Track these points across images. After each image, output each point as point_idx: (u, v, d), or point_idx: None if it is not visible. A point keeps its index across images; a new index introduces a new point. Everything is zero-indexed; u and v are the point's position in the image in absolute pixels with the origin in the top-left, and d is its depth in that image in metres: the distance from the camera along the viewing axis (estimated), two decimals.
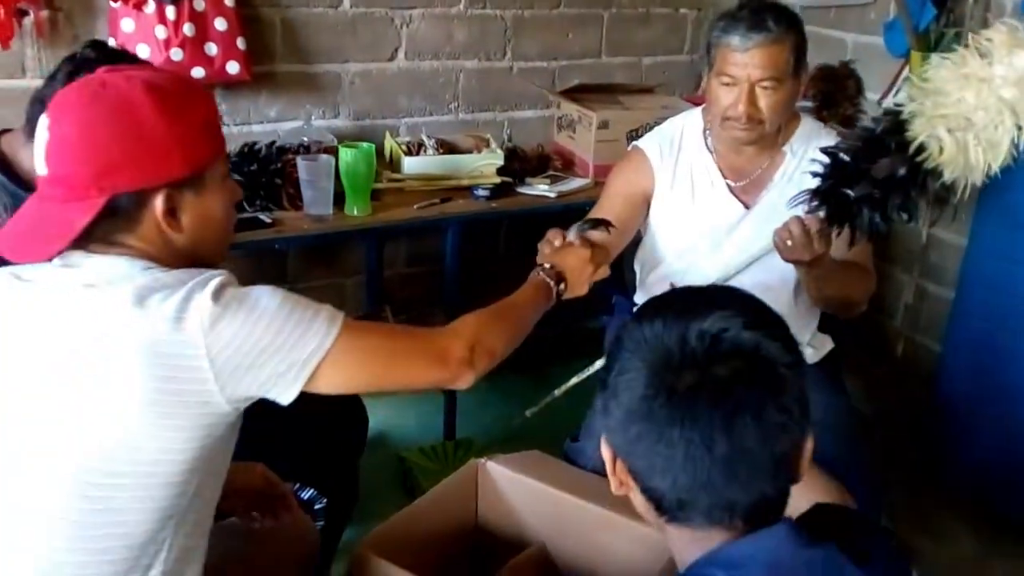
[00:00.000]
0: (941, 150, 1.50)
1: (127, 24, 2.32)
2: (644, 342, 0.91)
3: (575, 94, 2.90)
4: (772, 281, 1.88)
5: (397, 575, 1.45)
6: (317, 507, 1.68)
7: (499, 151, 2.64)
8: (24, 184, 1.63)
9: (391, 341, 1.23)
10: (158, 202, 1.11)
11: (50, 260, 1.12)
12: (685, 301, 0.95)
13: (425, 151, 2.63)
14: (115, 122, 1.08)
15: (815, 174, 1.65)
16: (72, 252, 1.11)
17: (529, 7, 2.93)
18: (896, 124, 1.54)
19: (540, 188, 2.64)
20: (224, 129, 1.54)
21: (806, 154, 1.91)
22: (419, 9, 2.77)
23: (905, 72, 2.63)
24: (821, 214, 1.64)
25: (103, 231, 1.11)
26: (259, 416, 1.81)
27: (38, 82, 2.33)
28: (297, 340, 1.09)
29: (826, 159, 1.63)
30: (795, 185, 1.88)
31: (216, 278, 1.09)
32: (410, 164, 2.57)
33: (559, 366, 3.09)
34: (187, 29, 2.34)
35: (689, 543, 0.92)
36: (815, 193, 1.64)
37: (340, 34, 2.68)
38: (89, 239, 1.11)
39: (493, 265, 3.08)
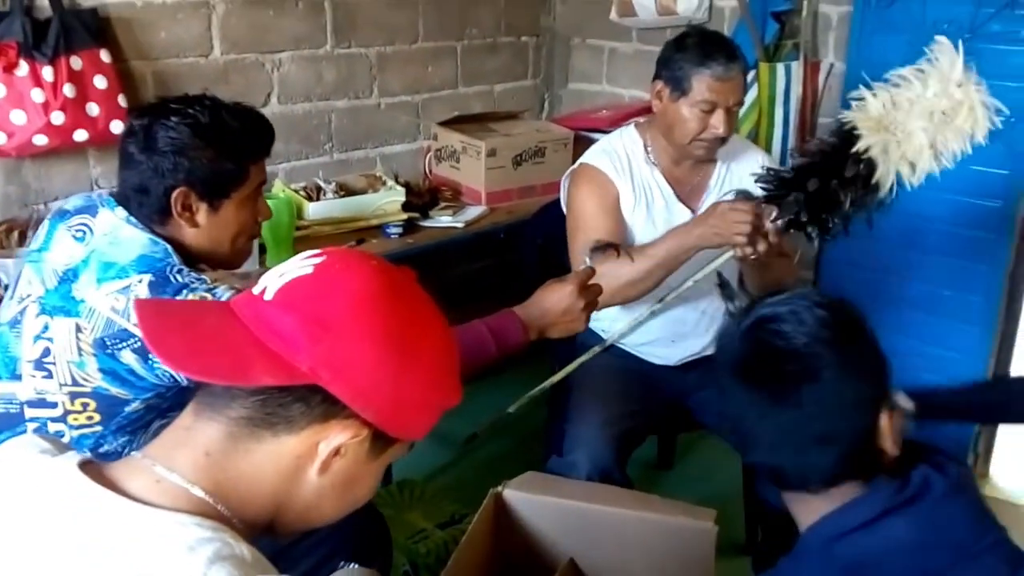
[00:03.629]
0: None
1: None
2: (727, 360, 1.12)
3: (450, 125, 2.96)
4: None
5: None
6: None
7: (399, 187, 2.64)
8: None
9: None
10: (332, 440, 0.85)
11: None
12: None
13: (325, 195, 2.57)
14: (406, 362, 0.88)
15: (765, 183, 1.84)
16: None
17: (391, 43, 2.95)
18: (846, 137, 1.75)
19: (445, 220, 2.66)
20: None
21: (731, 161, 2.16)
22: (288, 52, 2.71)
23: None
24: (774, 214, 1.83)
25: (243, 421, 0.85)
26: None
27: None
28: None
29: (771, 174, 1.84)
30: (728, 188, 2.10)
31: None
32: (315, 209, 2.51)
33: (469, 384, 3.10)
34: (67, 90, 2.16)
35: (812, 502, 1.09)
36: (770, 199, 1.82)
37: (213, 83, 2.56)
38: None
39: None
